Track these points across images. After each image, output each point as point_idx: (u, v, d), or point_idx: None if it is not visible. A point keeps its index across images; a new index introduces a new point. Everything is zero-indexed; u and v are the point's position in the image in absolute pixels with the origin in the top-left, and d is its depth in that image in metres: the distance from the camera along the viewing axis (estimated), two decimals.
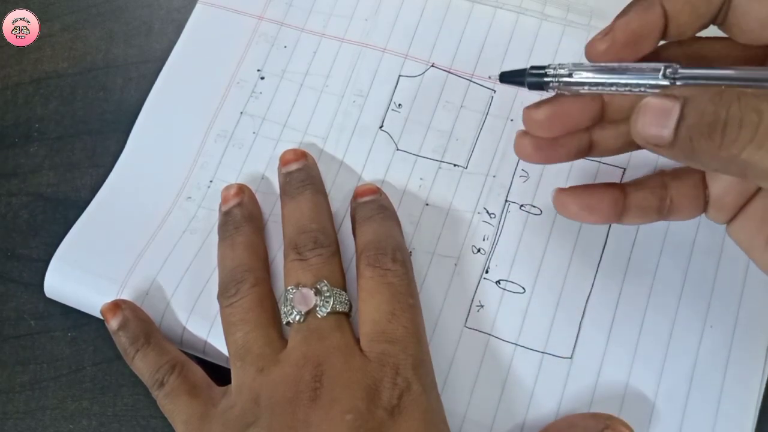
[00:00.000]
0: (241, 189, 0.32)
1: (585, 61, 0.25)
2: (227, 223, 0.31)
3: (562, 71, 0.24)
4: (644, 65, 0.23)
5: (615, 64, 0.23)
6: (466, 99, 0.34)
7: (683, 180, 0.27)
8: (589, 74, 0.24)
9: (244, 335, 0.28)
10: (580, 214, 0.27)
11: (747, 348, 0.29)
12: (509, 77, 0.26)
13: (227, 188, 0.33)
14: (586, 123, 0.26)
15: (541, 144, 0.26)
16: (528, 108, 0.26)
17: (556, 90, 0.25)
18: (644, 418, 0.28)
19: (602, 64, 0.24)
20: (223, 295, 0.29)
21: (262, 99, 0.35)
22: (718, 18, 0.23)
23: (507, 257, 0.31)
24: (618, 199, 0.27)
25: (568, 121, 0.25)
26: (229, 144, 0.34)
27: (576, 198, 0.27)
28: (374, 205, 0.31)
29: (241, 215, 0.32)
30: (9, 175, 0.37)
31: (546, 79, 0.25)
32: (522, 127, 0.27)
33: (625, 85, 0.23)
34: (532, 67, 0.25)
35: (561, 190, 0.27)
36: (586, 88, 0.24)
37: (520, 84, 0.25)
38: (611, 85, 0.23)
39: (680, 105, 0.21)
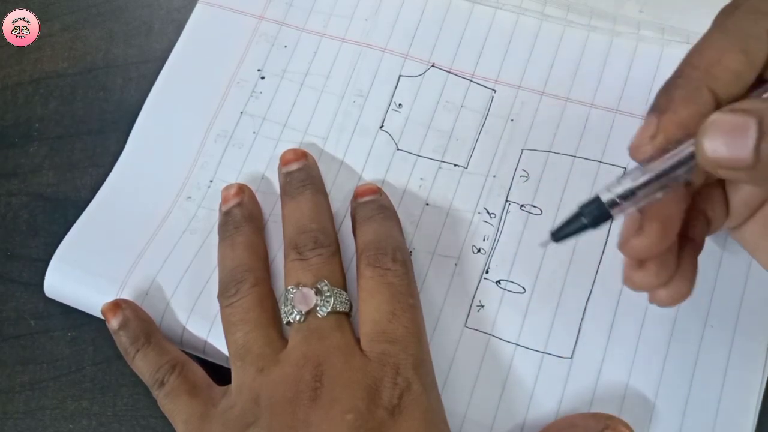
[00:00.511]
0: (242, 189, 0.32)
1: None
2: (227, 223, 0.31)
3: (620, 191, 0.21)
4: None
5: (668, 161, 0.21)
6: (467, 99, 0.34)
7: (711, 195, 0.25)
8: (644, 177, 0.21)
9: (244, 335, 0.28)
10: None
11: (747, 348, 0.29)
12: (563, 233, 0.23)
13: (227, 188, 0.33)
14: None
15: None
16: (624, 244, 0.22)
17: (623, 213, 0.22)
18: (644, 418, 0.28)
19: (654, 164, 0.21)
20: (223, 294, 0.29)
21: (262, 99, 0.35)
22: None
23: (507, 257, 0.31)
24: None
25: (673, 222, 0.22)
26: (229, 144, 0.34)
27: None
28: (374, 205, 0.31)
29: (242, 215, 0.31)
30: (9, 175, 0.37)
31: (609, 209, 0.22)
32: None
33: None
34: (583, 206, 0.22)
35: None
36: (649, 195, 0.21)
37: (582, 230, 0.22)
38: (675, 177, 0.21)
39: (756, 120, 0.18)
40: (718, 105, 0.21)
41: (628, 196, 0.21)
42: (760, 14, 0.21)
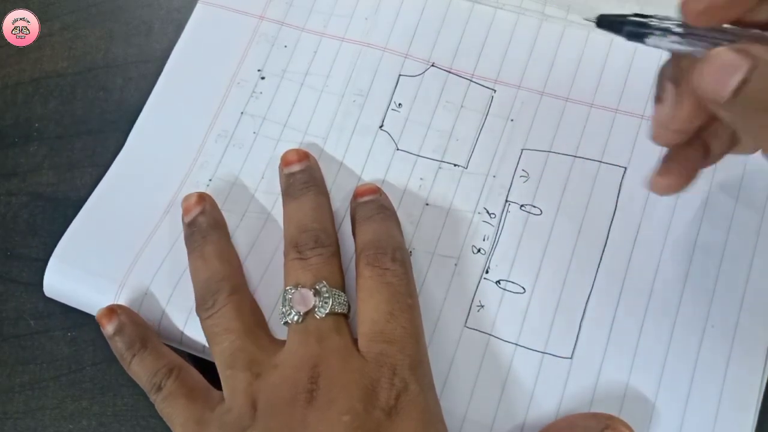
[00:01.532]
0: (202, 197, 0.32)
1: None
2: (193, 234, 0.31)
3: (665, 24, 0.22)
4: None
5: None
6: (467, 99, 0.34)
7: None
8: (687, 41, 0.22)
9: (230, 344, 0.28)
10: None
11: (747, 348, 0.29)
12: (607, 23, 0.24)
13: (187, 198, 0.32)
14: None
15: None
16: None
17: (654, 45, 0.23)
18: (644, 418, 0.28)
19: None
20: (201, 307, 0.29)
21: (262, 99, 0.35)
22: None
23: (507, 257, 0.31)
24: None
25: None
26: (229, 144, 0.34)
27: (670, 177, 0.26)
28: (374, 204, 0.31)
29: (207, 224, 0.31)
30: (9, 175, 0.37)
31: (646, 31, 0.22)
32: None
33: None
34: (635, 15, 0.23)
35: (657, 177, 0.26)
36: (684, 44, 0.22)
37: (618, 31, 0.23)
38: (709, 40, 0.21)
39: (749, 66, 0.19)
40: None
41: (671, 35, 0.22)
42: None
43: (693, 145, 0.25)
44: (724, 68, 0.19)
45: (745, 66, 0.19)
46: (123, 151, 0.35)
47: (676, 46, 0.22)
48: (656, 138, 0.25)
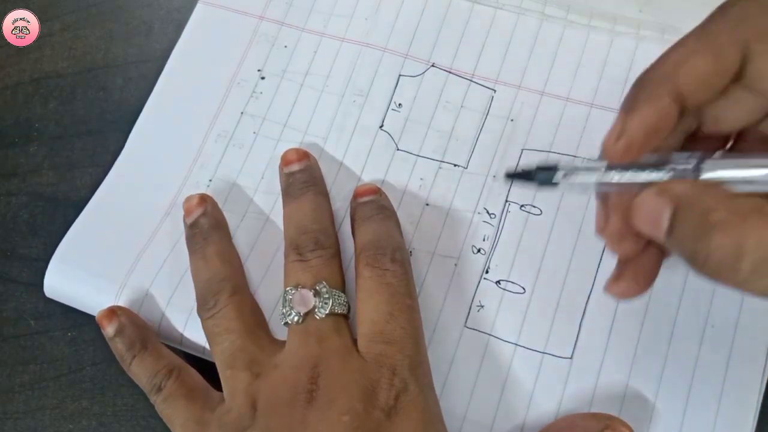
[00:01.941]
0: (203, 198, 0.32)
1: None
2: (195, 235, 0.31)
3: (571, 172, 0.23)
4: (661, 161, 0.22)
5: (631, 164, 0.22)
6: (466, 99, 0.34)
7: None
8: (599, 174, 0.23)
9: (231, 344, 0.28)
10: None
11: (747, 348, 0.29)
12: (517, 176, 0.24)
13: (188, 199, 0.32)
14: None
15: None
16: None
17: (568, 188, 0.24)
18: (644, 418, 0.28)
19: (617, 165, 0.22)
20: (202, 308, 0.29)
21: (262, 99, 0.35)
22: (735, 80, 0.21)
23: (507, 257, 0.31)
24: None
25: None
26: (229, 144, 0.34)
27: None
28: (374, 205, 0.31)
29: (208, 225, 0.31)
30: (9, 175, 0.37)
31: (555, 181, 0.23)
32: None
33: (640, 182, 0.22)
34: (539, 168, 0.24)
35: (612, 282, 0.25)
36: (594, 184, 0.23)
37: (529, 181, 0.24)
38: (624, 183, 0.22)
39: (672, 209, 0.20)
40: (684, 107, 0.21)
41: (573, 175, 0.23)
42: (743, 22, 0.20)
43: (648, 250, 0.24)
44: (651, 213, 0.20)
45: (668, 209, 0.20)
46: (123, 152, 0.35)
47: (593, 181, 0.22)
48: (610, 249, 0.24)
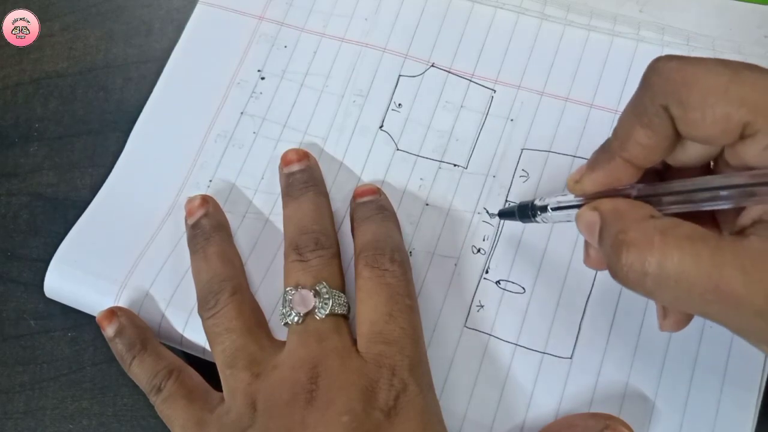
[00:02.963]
0: (206, 199, 0.32)
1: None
2: (196, 236, 0.31)
3: (543, 208, 0.27)
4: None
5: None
6: (466, 99, 0.34)
7: None
8: (565, 212, 0.26)
9: (231, 343, 0.28)
10: None
11: (747, 348, 0.29)
12: (504, 215, 0.31)
13: (190, 200, 0.32)
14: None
15: None
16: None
17: (544, 221, 0.28)
18: (644, 418, 0.28)
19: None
20: (203, 308, 0.29)
21: (262, 99, 0.35)
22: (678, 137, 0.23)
23: (507, 257, 0.31)
24: None
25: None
26: (229, 144, 0.34)
27: None
28: (373, 205, 0.31)
29: (210, 226, 0.31)
30: (9, 175, 0.37)
31: (534, 217, 0.28)
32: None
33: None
34: (520, 205, 0.29)
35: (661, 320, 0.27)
36: (565, 218, 0.26)
37: (513, 219, 0.29)
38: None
39: (599, 225, 0.23)
40: (637, 170, 0.24)
41: (549, 210, 0.27)
42: (655, 92, 0.22)
43: None
44: (588, 225, 0.24)
45: (598, 223, 0.23)
46: (124, 152, 0.35)
47: (563, 217, 0.27)
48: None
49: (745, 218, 0.22)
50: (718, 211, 0.24)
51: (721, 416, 0.28)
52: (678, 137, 0.22)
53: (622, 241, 0.21)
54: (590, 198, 0.25)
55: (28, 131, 0.38)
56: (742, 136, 0.21)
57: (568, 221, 0.26)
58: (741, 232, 0.21)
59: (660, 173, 0.26)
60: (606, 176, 0.24)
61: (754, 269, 0.19)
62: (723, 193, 0.21)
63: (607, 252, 0.22)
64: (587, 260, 0.27)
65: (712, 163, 0.24)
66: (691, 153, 0.23)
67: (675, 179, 0.23)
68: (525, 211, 0.28)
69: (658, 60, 0.22)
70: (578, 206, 0.25)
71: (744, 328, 0.21)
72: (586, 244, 0.27)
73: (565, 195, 0.26)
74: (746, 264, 0.19)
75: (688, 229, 0.21)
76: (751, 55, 0.33)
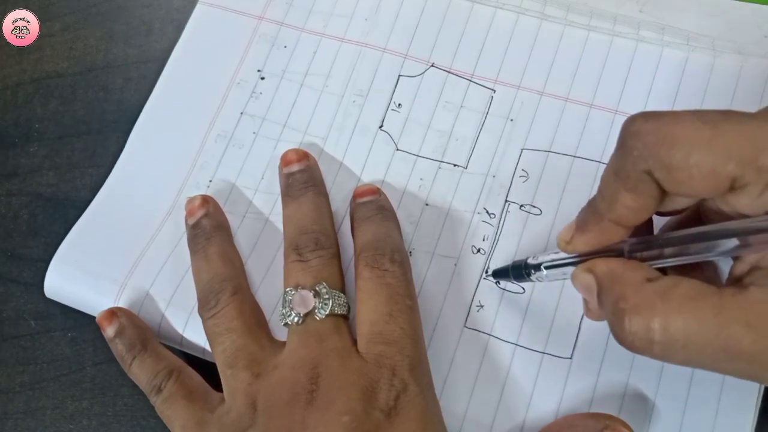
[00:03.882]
0: (206, 200, 0.32)
1: None
2: (197, 236, 0.31)
3: (536, 267, 0.27)
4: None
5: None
6: (466, 99, 0.34)
7: None
8: (560, 270, 0.26)
9: (232, 343, 0.28)
10: None
11: None
12: (498, 275, 0.30)
13: (191, 200, 0.32)
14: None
15: None
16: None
17: (539, 280, 0.28)
18: (644, 418, 0.28)
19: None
20: (203, 307, 0.29)
21: (262, 99, 0.35)
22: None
23: (507, 257, 0.31)
24: None
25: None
26: (229, 144, 0.34)
27: None
28: (373, 205, 0.31)
29: (210, 226, 0.31)
30: (9, 175, 0.37)
31: (528, 277, 0.28)
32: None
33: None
34: (513, 265, 0.29)
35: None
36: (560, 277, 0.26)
37: (508, 278, 0.29)
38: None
39: (597, 288, 0.23)
40: (627, 229, 0.23)
41: (543, 269, 0.27)
42: (635, 158, 0.21)
43: None
44: (585, 286, 0.24)
45: (593, 281, 0.23)
46: (124, 152, 0.35)
47: (558, 275, 0.26)
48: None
49: (741, 267, 0.21)
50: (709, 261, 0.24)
51: (721, 416, 0.28)
52: (665, 194, 0.22)
53: (623, 309, 0.21)
54: (584, 256, 0.25)
55: (28, 131, 0.38)
56: (732, 188, 0.20)
57: (563, 279, 0.26)
58: (739, 281, 0.21)
59: (650, 218, 0.25)
60: (596, 237, 0.24)
61: (759, 323, 0.19)
62: (718, 243, 0.21)
63: (610, 319, 0.22)
64: (588, 314, 0.26)
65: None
66: (680, 202, 0.23)
67: (667, 231, 0.23)
68: (519, 271, 0.28)
69: (633, 122, 0.22)
70: (572, 263, 0.25)
71: (760, 378, 0.21)
72: (585, 299, 0.26)
73: (558, 253, 0.26)
74: (751, 319, 0.19)
75: (688, 287, 0.20)
76: (751, 55, 0.33)
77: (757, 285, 0.20)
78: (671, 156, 0.20)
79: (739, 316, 0.19)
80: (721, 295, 0.20)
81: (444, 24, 0.35)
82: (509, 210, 0.32)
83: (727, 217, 0.22)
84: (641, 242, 0.23)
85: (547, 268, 0.27)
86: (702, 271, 0.25)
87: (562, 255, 0.26)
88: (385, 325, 0.27)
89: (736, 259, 0.22)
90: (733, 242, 0.21)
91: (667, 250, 0.22)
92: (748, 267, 0.21)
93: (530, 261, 0.28)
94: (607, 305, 0.22)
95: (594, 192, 0.25)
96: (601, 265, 0.23)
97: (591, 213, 0.24)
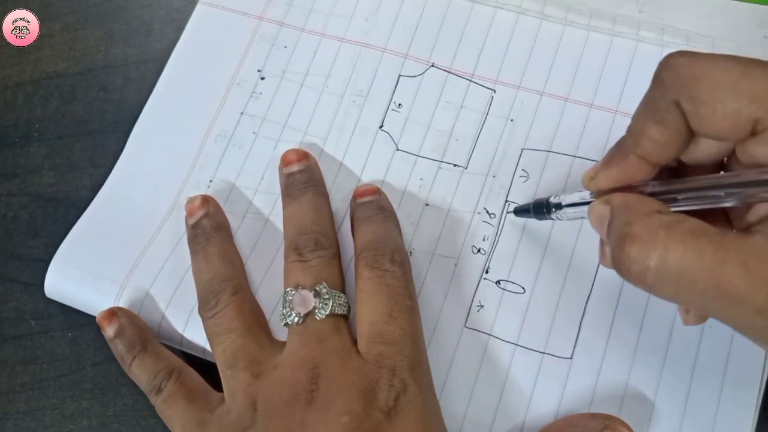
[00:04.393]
0: (206, 200, 0.32)
1: None
2: (197, 236, 0.31)
3: (557, 205, 0.28)
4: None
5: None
6: (466, 99, 0.34)
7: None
8: (579, 208, 0.27)
9: (232, 343, 0.28)
10: None
11: (747, 348, 0.29)
12: (519, 212, 0.31)
13: (191, 201, 0.32)
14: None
15: None
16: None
17: (559, 218, 0.28)
18: (644, 418, 0.28)
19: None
20: (203, 308, 0.29)
21: (262, 99, 0.35)
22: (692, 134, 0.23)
23: (507, 257, 0.31)
24: None
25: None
26: (229, 144, 0.34)
27: None
28: (373, 205, 0.31)
29: (210, 226, 0.31)
30: (9, 175, 0.37)
31: (549, 214, 0.28)
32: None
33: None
34: (535, 202, 0.29)
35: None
36: (578, 214, 0.27)
37: (529, 216, 0.30)
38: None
39: (609, 217, 0.23)
40: (652, 167, 0.24)
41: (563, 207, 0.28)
42: (666, 88, 0.22)
43: None
44: (598, 217, 0.24)
45: (607, 212, 0.23)
46: (124, 153, 0.35)
47: (577, 213, 0.27)
48: None
49: (753, 216, 0.22)
50: (730, 208, 0.24)
51: (721, 416, 0.28)
52: (691, 134, 0.22)
53: (626, 233, 0.21)
54: (604, 195, 0.25)
55: (28, 131, 0.38)
56: (753, 132, 0.21)
57: (582, 218, 0.26)
58: (747, 229, 0.21)
59: (676, 171, 0.26)
60: (620, 173, 0.24)
61: (757, 266, 0.19)
62: (730, 190, 0.21)
63: (612, 244, 0.22)
64: (603, 259, 0.26)
65: (726, 160, 0.24)
66: (704, 150, 0.23)
67: (689, 177, 0.23)
68: (540, 208, 0.29)
69: (670, 56, 0.22)
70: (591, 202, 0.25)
71: (744, 325, 0.21)
72: (601, 243, 0.26)
73: (580, 192, 0.26)
74: (749, 261, 0.19)
75: (693, 224, 0.21)
76: (751, 55, 0.33)
77: (763, 233, 0.20)
78: (699, 89, 0.21)
79: (737, 257, 0.19)
80: (724, 236, 0.20)
81: (444, 24, 0.35)
82: (509, 210, 0.32)
83: None
84: (662, 184, 0.23)
85: (567, 206, 0.27)
86: (717, 221, 0.25)
87: (585, 194, 0.26)
88: (385, 326, 0.27)
89: (749, 208, 0.22)
90: (744, 189, 0.21)
91: (682, 195, 0.22)
92: (758, 218, 0.21)
93: (552, 200, 0.28)
94: (613, 231, 0.22)
95: None
96: (618, 197, 0.23)
97: (617, 149, 0.24)
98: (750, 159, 0.22)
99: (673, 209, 0.22)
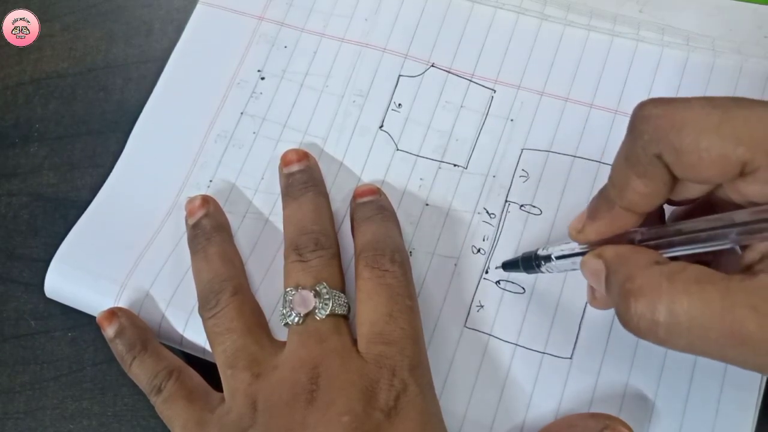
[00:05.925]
0: (206, 200, 0.32)
1: None
2: (197, 236, 0.31)
3: (546, 258, 0.28)
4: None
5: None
6: (466, 99, 0.34)
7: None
8: (570, 260, 0.26)
9: (232, 343, 0.28)
10: None
11: None
12: (507, 267, 0.30)
13: (191, 201, 0.32)
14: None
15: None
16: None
17: (549, 270, 0.28)
18: (644, 418, 0.28)
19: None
20: (204, 307, 0.29)
21: (262, 99, 0.35)
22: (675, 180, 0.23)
23: (507, 257, 0.31)
24: None
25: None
26: (229, 144, 0.34)
27: None
28: (374, 205, 0.31)
29: (210, 226, 0.31)
30: (9, 175, 0.37)
31: (538, 268, 0.28)
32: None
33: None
34: (523, 256, 0.29)
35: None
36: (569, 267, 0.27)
37: (518, 269, 0.29)
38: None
39: (605, 272, 0.23)
40: (639, 216, 0.23)
41: (552, 260, 0.27)
42: (645, 141, 0.21)
43: None
44: (594, 272, 0.24)
45: (603, 270, 0.23)
46: (124, 153, 0.35)
47: (568, 266, 0.27)
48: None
49: (751, 255, 0.21)
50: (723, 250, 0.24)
51: (721, 416, 0.28)
52: (675, 180, 0.22)
53: (629, 290, 0.21)
54: (594, 246, 0.25)
55: (28, 131, 0.38)
56: (742, 174, 0.20)
57: (573, 269, 0.26)
58: (749, 270, 0.21)
59: (662, 207, 0.25)
60: (608, 225, 0.24)
61: (766, 307, 0.19)
62: (728, 231, 0.21)
63: (616, 301, 0.21)
64: (593, 302, 0.26)
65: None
66: (691, 190, 0.23)
67: (678, 221, 0.23)
68: (529, 262, 0.28)
69: (643, 107, 0.22)
70: (582, 254, 0.25)
71: (763, 367, 0.20)
72: (590, 287, 0.26)
73: (568, 243, 0.26)
74: (757, 303, 0.19)
75: (695, 271, 0.20)
76: (751, 55, 0.33)
77: (767, 272, 0.20)
78: (681, 139, 0.20)
79: (745, 300, 0.19)
80: (728, 279, 0.20)
81: (444, 24, 0.35)
82: (509, 210, 0.32)
83: (739, 207, 0.22)
84: (652, 231, 0.23)
85: (557, 258, 0.27)
86: (717, 265, 0.25)
87: (573, 245, 0.26)
88: (385, 326, 0.27)
89: (746, 248, 0.22)
90: (744, 230, 0.20)
91: (677, 239, 0.22)
92: (759, 255, 0.21)
93: (540, 252, 0.28)
94: (614, 287, 0.22)
95: (594, 192, 0.25)
96: (611, 249, 0.23)
97: (602, 200, 0.24)
98: (741, 197, 0.21)
99: (666, 255, 0.22)
